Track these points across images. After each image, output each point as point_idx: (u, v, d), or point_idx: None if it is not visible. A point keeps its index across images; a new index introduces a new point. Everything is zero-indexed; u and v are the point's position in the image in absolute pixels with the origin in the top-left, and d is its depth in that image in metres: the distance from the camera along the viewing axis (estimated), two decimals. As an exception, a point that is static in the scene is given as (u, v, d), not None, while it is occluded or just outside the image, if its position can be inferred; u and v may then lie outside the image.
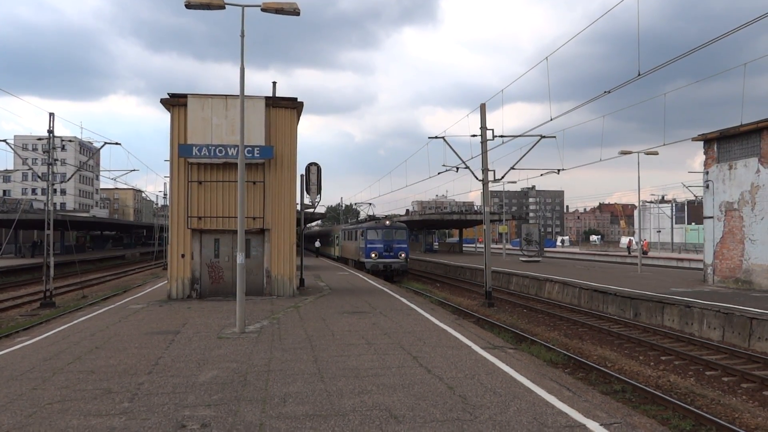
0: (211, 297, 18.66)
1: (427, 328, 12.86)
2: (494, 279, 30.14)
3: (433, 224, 62.31)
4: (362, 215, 46.38)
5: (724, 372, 12.39)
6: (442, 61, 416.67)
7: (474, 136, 24.90)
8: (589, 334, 17.21)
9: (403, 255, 32.70)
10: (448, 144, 26.11)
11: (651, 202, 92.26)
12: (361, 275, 29.64)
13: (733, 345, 14.65)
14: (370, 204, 45.18)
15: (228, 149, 18.21)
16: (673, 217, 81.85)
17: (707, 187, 23.45)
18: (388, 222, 34.11)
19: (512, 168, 25.78)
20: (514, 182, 47.94)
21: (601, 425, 6.29)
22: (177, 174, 18.58)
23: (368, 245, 32.75)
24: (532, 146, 24.95)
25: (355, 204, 46.99)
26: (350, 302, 17.70)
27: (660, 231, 79.86)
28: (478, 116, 24.83)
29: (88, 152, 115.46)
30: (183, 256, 18.54)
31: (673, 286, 22.31)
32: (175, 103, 18.54)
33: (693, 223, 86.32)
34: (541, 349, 13.85)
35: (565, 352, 13.79)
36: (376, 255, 32.24)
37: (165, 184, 64.28)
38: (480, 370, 8.79)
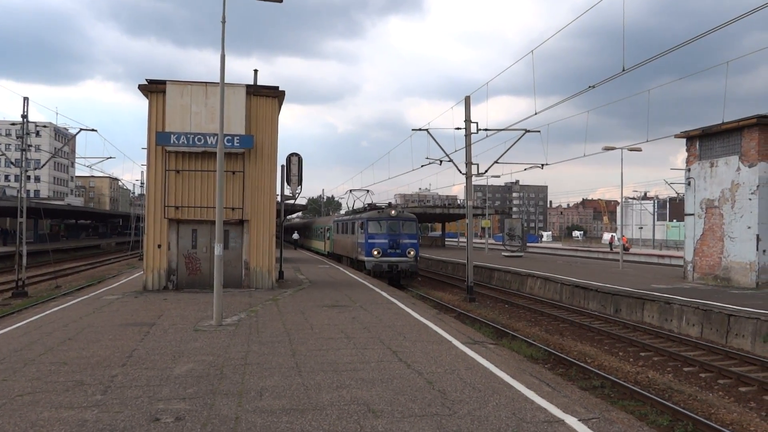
0: (187, 289, 18.53)
1: (408, 323, 12.89)
2: (476, 274, 30.30)
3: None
4: (357, 204, 38.13)
5: (702, 368, 12.60)
6: (428, 52, 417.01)
7: (458, 129, 24.95)
8: (569, 330, 17.39)
9: (412, 252, 26.90)
10: (431, 137, 26.16)
11: (634, 198, 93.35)
12: (342, 268, 29.59)
13: (711, 341, 14.90)
14: (368, 191, 36.82)
15: (207, 138, 18.05)
16: (655, 213, 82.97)
17: (689, 184, 23.77)
18: (393, 212, 27.75)
19: (496, 162, 25.91)
20: (498, 176, 48.12)
21: (579, 420, 6.36)
22: (154, 162, 18.38)
23: (369, 240, 27.06)
24: (517, 140, 25.10)
25: (353, 190, 37.62)
26: (330, 296, 17.68)
27: (642, 227, 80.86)
28: (462, 109, 24.92)
29: (64, 138, 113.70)
30: (159, 246, 18.37)
31: (654, 283, 22.62)
32: (153, 89, 18.32)
33: (674, 220, 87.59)
34: (522, 345, 13.96)
35: (545, 347, 13.93)
36: (378, 252, 26.54)
37: (142, 172, 63.62)
38: (460, 365, 8.83)
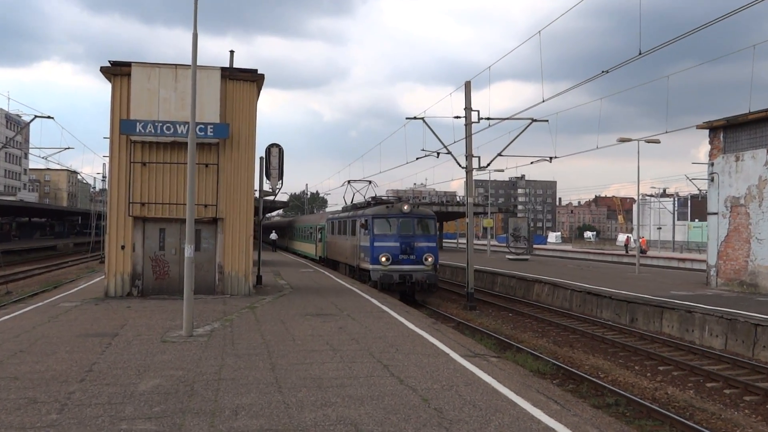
0: (154, 295, 18.46)
1: (401, 333, 12.90)
2: (477, 279, 30.37)
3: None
4: (357, 198, 32.99)
5: (726, 384, 12.69)
6: (424, 32, 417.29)
7: (457, 117, 24.99)
8: (580, 342, 17.47)
9: (430, 259, 23.73)
10: (428, 126, 26.18)
11: (651, 195, 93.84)
12: (328, 273, 29.57)
13: (737, 354, 15.00)
14: (370, 182, 33.36)
15: (177, 126, 17.98)
16: (675, 212, 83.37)
17: (712, 180, 23.92)
18: (406, 206, 24.59)
19: (499, 155, 25.97)
20: (502, 170, 47.92)
21: (590, 442, 6.38)
22: (118, 153, 18.29)
23: (375, 243, 23.96)
24: (522, 130, 25.14)
25: (352, 180, 33.83)
26: (314, 303, 17.67)
27: (661, 228, 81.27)
28: (462, 95, 24.94)
29: (16, 127, 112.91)
30: (123, 247, 18.29)
31: (674, 289, 22.76)
32: (117, 72, 18.22)
33: (696, 220, 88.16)
34: (528, 358, 14.01)
35: (553, 361, 13.98)
36: (387, 259, 23.38)
37: (104, 165, 63.34)
38: (458, 381, 8.85)
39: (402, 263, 23.48)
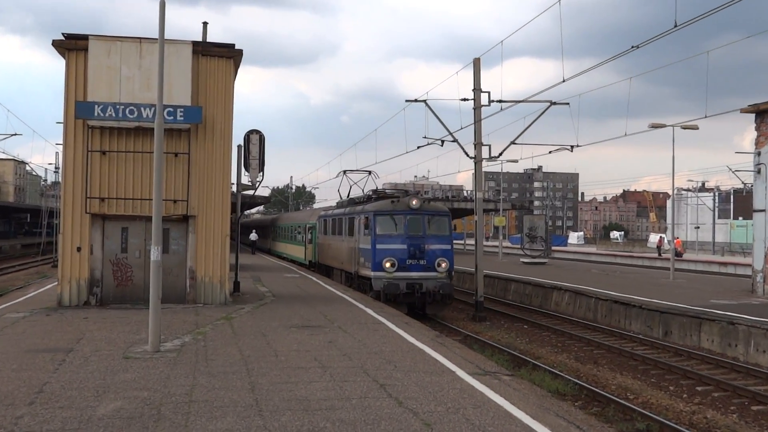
0: (116, 304, 18.43)
1: (399, 348, 12.90)
2: (487, 286, 30.39)
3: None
4: (355, 192, 32.35)
5: (774, 407, 12.71)
6: (427, 2, 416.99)
7: (465, 100, 25.00)
8: (606, 358, 17.50)
9: (444, 265, 22.84)
10: (431, 110, 26.19)
11: (688, 190, 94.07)
12: (315, 278, 29.57)
13: (786, 373, 15.04)
14: (370, 173, 32.55)
15: (142, 109, 17.94)
16: (716, 209, 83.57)
17: (759, 171, 23.96)
18: (415, 201, 23.57)
19: (513, 143, 26.01)
20: (516, 161, 48.07)
21: (618, 474, 6.39)
22: (73, 141, 18.24)
23: (378, 245, 23.01)
24: (540, 115, 25.20)
25: (348, 171, 33.06)
26: (300, 313, 17.67)
27: (699, 227, 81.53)
28: (470, 74, 24.95)
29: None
30: (79, 249, 18.25)
31: (714, 298, 22.81)
32: (72, 46, 18.17)
33: (740, 218, 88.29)
34: (546, 376, 14.03)
35: (575, 380, 14.02)
36: (392, 264, 22.48)
37: (57, 153, 63.12)
38: (466, 403, 8.85)
39: (410, 269, 22.64)
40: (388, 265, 22.41)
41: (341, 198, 33.13)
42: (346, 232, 27.44)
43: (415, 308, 22.51)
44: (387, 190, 28.20)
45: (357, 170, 33.01)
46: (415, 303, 22.46)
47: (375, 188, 29.19)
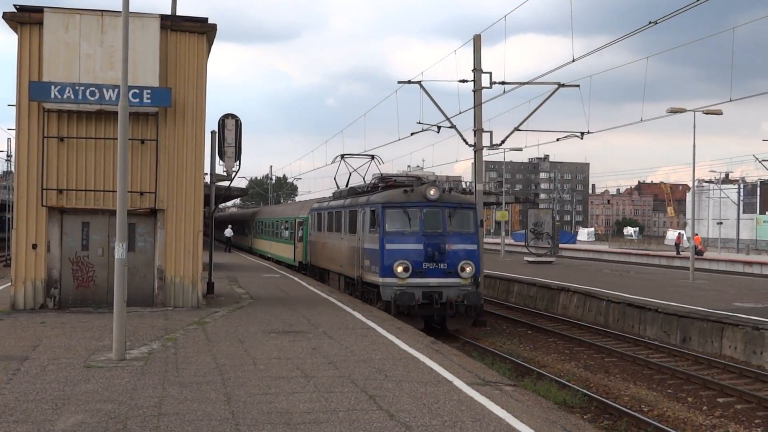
0: (76, 307, 18.41)
1: (391, 356, 12.94)
2: (488, 287, 30.47)
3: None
4: (354, 179, 30.76)
5: (803, 420, 12.82)
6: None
7: (464, 81, 25.05)
8: (618, 366, 17.58)
9: (469, 269, 20.88)
10: (426, 92, 26.23)
11: (710, 181, 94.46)
12: (298, 279, 29.54)
13: (816, 382, 15.16)
14: (373, 157, 30.35)
15: (104, 91, 17.89)
16: (741, 203, 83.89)
17: (787, 161, 24.08)
18: (432, 191, 21.38)
19: (517, 129, 26.05)
20: (520, 149, 47.97)
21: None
22: (27, 126, 18.16)
23: (387, 245, 20.96)
24: (547, 98, 25.24)
25: (347, 155, 30.63)
26: (281, 317, 17.70)
27: (722, 223, 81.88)
28: (470, 53, 24.97)
29: None
30: (35, 246, 18.20)
31: (738, 300, 22.95)
32: (25, 20, 18.08)
33: (767, 213, 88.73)
34: (552, 387, 14.08)
35: (584, 390, 14.06)
36: (405, 269, 20.47)
37: (9, 140, 62.80)
38: (464, 416, 8.89)
39: (427, 275, 20.69)
40: (400, 269, 20.49)
41: (338, 187, 31.19)
42: (346, 228, 25.39)
43: (433, 323, 21.07)
44: (397, 178, 26.26)
45: (357, 155, 31.12)
46: (433, 316, 20.73)
47: (380, 175, 26.67)
